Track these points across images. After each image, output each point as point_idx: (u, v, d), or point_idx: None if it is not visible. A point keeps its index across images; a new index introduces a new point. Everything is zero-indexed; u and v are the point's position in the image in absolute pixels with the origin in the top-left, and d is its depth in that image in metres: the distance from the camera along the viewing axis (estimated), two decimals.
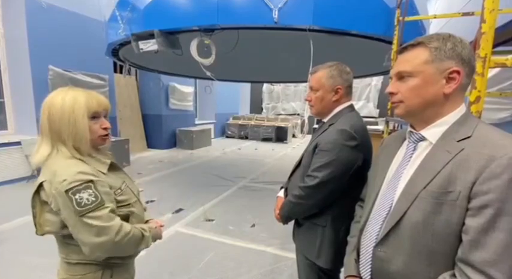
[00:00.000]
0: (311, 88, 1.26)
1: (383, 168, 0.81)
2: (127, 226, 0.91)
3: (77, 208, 0.82)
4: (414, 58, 0.69)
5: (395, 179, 0.74)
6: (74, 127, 0.88)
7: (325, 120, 1.27)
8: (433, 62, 0.67)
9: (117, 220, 0.88)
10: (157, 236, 1.08)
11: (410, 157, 0.74)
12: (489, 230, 0.55)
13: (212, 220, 3.16)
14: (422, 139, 0.72)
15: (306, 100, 1.30)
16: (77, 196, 0.81)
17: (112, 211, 0.88)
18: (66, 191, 0.81)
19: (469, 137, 0.64)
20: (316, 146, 1.19)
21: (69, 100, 0.88)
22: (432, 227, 0.62)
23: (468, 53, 0.66)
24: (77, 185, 0.82)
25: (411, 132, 0.75)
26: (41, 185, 0.87)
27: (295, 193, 1.22)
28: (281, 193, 1.42)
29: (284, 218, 1.32)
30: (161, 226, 1.13)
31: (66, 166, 0.84)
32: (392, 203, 0.72)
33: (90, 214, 0.83)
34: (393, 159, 0.80)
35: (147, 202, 3.63)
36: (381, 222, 0.74)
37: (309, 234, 1.25)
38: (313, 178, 1.15)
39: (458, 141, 0.64)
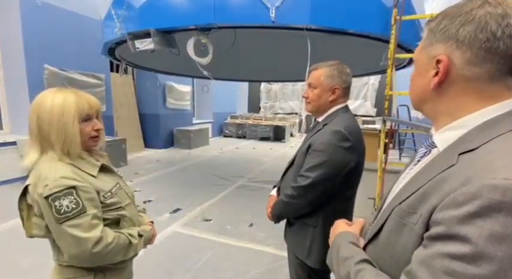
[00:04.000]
0: (309, 85, 1.25)
1: (405, 169, 0.69)
2: (109, 236, 0.88)
3: (56, 215, 0.80)
4: (421, 43, 0.57)
5: (398, 185, 0.64)
6: (63, 131, 0.85)
7: (319, 120, 1.27)
8: (425, 48, 0.54)
9: (98, 230, 0.85)
10: (148, 241, 1.06)
11: (416, 163, 0.61)
12: (423, 266, 0.43)
13: (210, 220, 3.16)
14: (435, 145, 0.57)
15: (303, 96, 1.29)
16: (56, 203, 0.80)
17: (95, 217, 0.86)
18: (46, 197, 0.80)
19: (472, 150, 0.47)
20: (309, 147, 1.19)
21: (59, 103, 0.86)
22: (393, 249, 0.53)
23: (473, 29, 0.46)
24: (57, 192, 0.80)
25: (431, 133, 0.60)
26: (26, 189, 0.86)
27: (287, 192, 1.22)
28: (274, 192, 1.44)
29: (276, 217, 1.33)
30: (151, 224, 1.11)
31: (50, 170, 0.83)
32: (381, 212, 0.63)
33: (69, 222, 0.81)
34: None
35: (144, 202, 3.61)
36: (369, 229, 0.67)
37: (300, 234, 1.26)
38: (306, 178, 1.15)
39: (460, 154, 0.48)
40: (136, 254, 0.99)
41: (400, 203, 0.53)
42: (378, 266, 0.56)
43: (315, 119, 1.33)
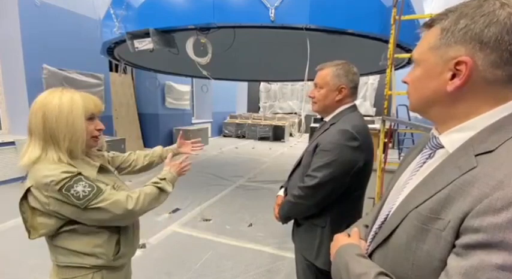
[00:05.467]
0: (315, 85, 1.24)
1: (398, 173, 0.69)
2: (134, 193, 0.94)
3: (77, 201, 0.82)
4: (424, 42, 0.54)
5: (400, 188, 0.62)
6: (72, 128, 0.87)
7: (326, 119, 1.25)
8: (438, 48, 0.51)
9: (121, 193, 0.91)
10: (174, 179, 1.12)
11: (421, 166, 0.59)
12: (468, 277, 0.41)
13: (209, 220, 3.16)
14: (441, 145, 0.56)
15: (309, 96, 1.27)
16: (71, 191, 0.81)
17: (112, 189, 0.91)
18: (59, 190, 0.81)
19: (490, 151, 0.46)
20: (316, 146, 1.17)
21: (67, 101, 0.87)
22: (413, 256, 0.51)
23: (499, 30, 0.45)
24: (66, 181, 0.82)
25: (433, 134, 0.59)
26: (28, 190, 0.85)
27: (294, 192, 1.21)
28: (281, 192, 1.43)
29: (283, 218, 1.32)
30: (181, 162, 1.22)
31: (49, 170, 0.83)
32: (388, 216, 0.61)
33: (93, 202, 0.84)
34: (410, 164, 0.66)
35: None
36: (373, 233, 0.65)
37: (308, 235, 1.25)
38: (313, 178, 1.14)
39: (476, 155, 0.47)
40: (168, 194, 1.05)
41: (417, 207, 0.51)
42: (392, 272, 0.54)
43: (321, 119, 1.31)
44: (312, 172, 1.15)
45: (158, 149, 1.40)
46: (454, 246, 0.45)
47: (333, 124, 1.18)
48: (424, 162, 0.59)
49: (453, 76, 0.50)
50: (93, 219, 0.87)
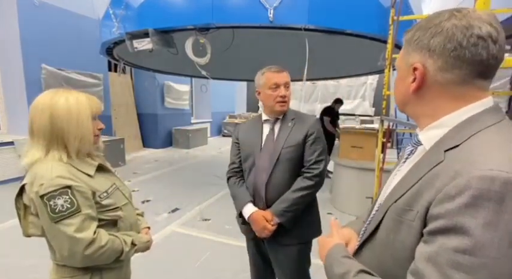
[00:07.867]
0: (286, 84, 1.36)
1: (394, 167, 0.72)
2: (103, 239, 0.88)
3: (51, 214, 0.81)
4: (400, 52, 0.63)
5: (389, 184, 0.66)
6: (82, 129, 0.88)
7: (279, 117, 1.38)
8: (404, 56, 0.60)
9: (91, 231, 0.86)
10: (143, 250, 1.05)
11: (404, 161, 0.64)
12: (430, 263, 0.44)
13: (208, 219, 3.16)
14: (421, 143, 0.60)
15: (284, 96, 1.34)
16: (51, 202, 0.81)
17: (89, 217, 0.87)
18: (42, 197, 0.81)
19: (456, 147, 0.51)
20: (306, 137, 1.30)
21: (74, 102, 0.89)
22: (392, 248, 0.55)
23: (442, 39, 0.51)
24: (52, 191, 0.81)
25: (417, 131, 0.64)
26: (23, 188, 0.87)
27: (306, 184, 1.26)
28: (252, 208, 1.29)
29: (291, 220, 1.25)
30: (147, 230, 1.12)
31: (46, 170, 0.84)
32: (375, 212, 0.65)
33: (64, 221, 0.82)
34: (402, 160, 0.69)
35: (142, 202, 3.61)
36: (364, 228, 0.68)
37: (310, 215, 1.36)
38: (319, 162, 1.28)
39: (445, 151, 0.52)
40: (125, 259, 0.99)
41: (396, 202, 0.56)
42: (380, 267, 0.57)
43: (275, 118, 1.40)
44: (317, 158, 1.28)
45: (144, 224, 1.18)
46: (422, 235, 0.49)
47: (294, 119, 1.35)
48: (407, 158, 0.64)
49: (414, 80, 0.57)
50: (53, 239, 0.86)
